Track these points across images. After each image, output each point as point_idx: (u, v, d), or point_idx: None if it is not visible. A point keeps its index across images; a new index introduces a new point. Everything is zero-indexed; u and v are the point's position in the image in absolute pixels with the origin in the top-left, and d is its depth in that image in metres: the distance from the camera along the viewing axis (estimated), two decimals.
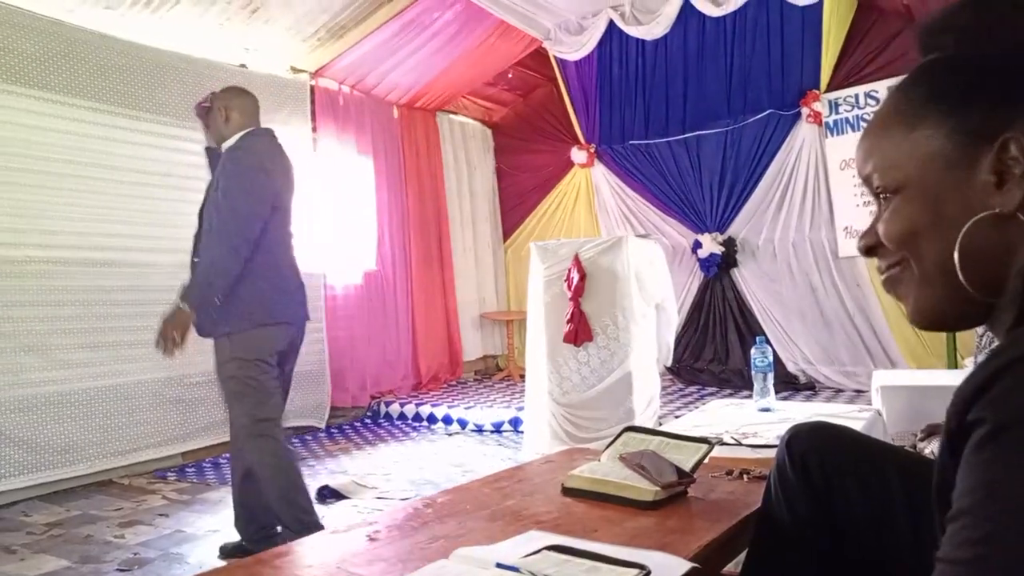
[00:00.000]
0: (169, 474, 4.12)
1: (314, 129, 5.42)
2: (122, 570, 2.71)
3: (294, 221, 2.89)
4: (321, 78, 5.52)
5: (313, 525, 2.60)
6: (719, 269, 5.77)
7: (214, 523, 3.23)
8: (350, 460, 4.35)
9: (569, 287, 3.88)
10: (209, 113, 2.78)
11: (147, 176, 4.29)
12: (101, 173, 4.08)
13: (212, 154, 2.83)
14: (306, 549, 1.43)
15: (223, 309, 2.58)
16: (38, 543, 3.03)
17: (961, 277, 0.64)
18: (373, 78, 5.77)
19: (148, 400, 4.20)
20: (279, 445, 2.65)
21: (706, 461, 1.55)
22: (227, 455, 4.47)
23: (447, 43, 5.62)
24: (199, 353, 4.44)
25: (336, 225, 5.51)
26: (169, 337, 2.53)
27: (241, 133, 2.74)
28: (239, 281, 2.57)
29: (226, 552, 2.84)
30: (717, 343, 5.88)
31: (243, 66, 5.01)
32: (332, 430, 5.21)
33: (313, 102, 5.43)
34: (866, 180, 0.74)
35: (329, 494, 3.56)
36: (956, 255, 0.64)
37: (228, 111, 2.75)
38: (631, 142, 6.23)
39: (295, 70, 5.37)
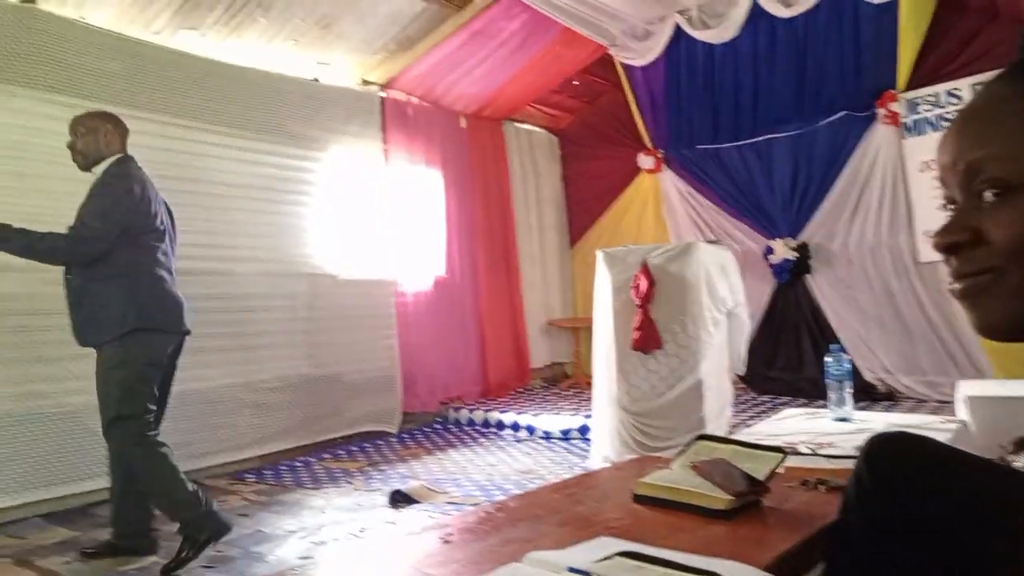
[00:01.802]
0: (248, 476, 4.27)
1: (384, 140, 5.54)
2: (207, 567, 2.82)
3: (174, 241, 3.06)
4: (391, 90, 5.64)
5: (194, 511, 2.80)
6: (792, 275, 5.64)
7: (292, 524, 3.33)
8: (421, 465, 4.41)
9: (637, 294, 3.85)
10: (89, 134, 2.87)
11: (227, 188, 4.46)
12: (183, 186, 4.25)
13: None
14: (380, 550, 1.46)
15: (103, 318, 2.75)
16: None
17: None
18: (441, 88, 5.87)
19: (227, 404, 4.37)
20: (155, 447, 2.80)
21: (780, 471, 1.52)
22: (303, 459, 4.62)
23: (513, 52, 5.67)
24: (274, 359, 4.64)
25: (406, 234, 5.61)
26: None
27: (115, 158, 2.89)
28: (118, 290, 2.75)
29: (89, 554, 2.94)
30: (790, 351, 5.74)
31: (316, 80, 5.17)
32: (404, 435, 5.30)
33: (383, 113, 5.56)
34: (970, 168, 0.66)
35: (401, 499, 3.62)
36: None
37: (108, 135, 2.89)
38: (699, 147, 6.15)
39: (366, 83, 5.51)
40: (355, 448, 4.93)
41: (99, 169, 2.88)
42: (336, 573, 1.34)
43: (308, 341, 4.88)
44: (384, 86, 5.60)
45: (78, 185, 3.75)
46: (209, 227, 4.37)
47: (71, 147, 2.90)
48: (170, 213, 3.07)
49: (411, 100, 5.80)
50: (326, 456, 4.72)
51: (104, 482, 3.73)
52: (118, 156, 2.90)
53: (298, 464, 4.53)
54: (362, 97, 5.42)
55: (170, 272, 2.97)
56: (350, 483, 4.05)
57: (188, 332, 3.02)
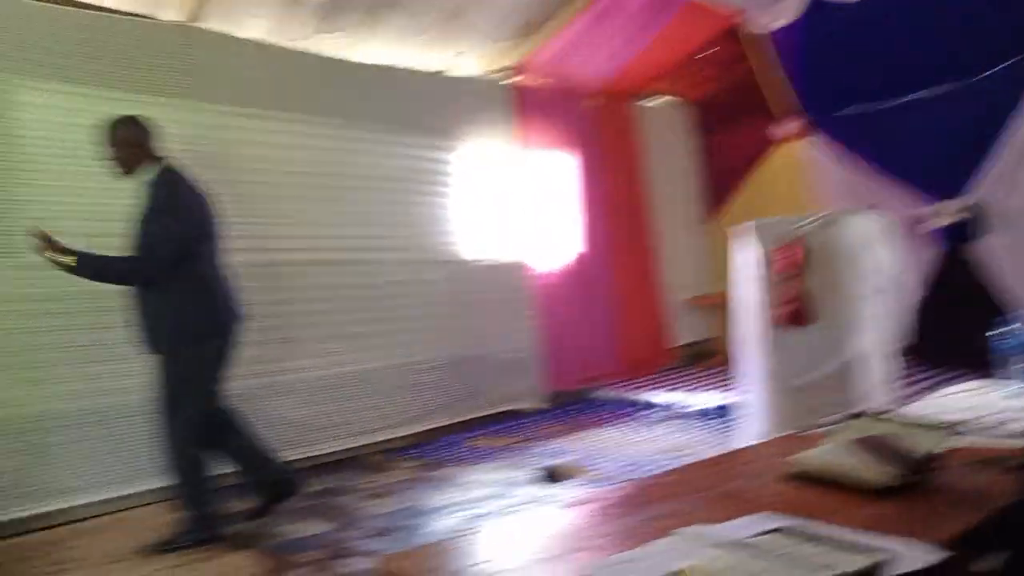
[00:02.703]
0: (405, 453, 4.51)
1: (516, 125, 5.61)
2: (373, 536, 3.03)
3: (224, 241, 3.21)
4: (520, 75, 5.69)
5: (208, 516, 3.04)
6: (958, 239, 5.21)
7: (447, 499, 3.49)
8: (565, 443, 4.48)
9: (786, 266, 3.71)
10: (126, 145, 2.96)
11: (368, 181, 4.70)
12: (330, 181, 4.53)
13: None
14: (536, 523, 1.52)
15: (187, 322, 2.95)
16: (308, 509, 3.46)
17: None
18: (570, 69, 5.85)
19: (383, 385, 4.62)
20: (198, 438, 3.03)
21: (948, 449, 1.44)
22: (453, 436, 4.82)
23: (642, 27, 5.56)
24: (422, 342, 4.85)
25: (541, 216, 5.67)
26: (59, 250, 2.79)
27: (159, 166, 3.00)
28: (186, 302, 2.95)
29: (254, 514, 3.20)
30: (958, 321, 5.31)
31: (448, 72, 5.31)
32: (547, 414, 5.38)
33: (514, 99, 5.62)
34: None
35: (548, 475, 3.71)
36: None
37: (146, 143, 2.99)
38: (847, 108, 5.79)
39: (495, 70, 5.59)
40: (502, 426, 5.07)
41: (145, 178, 2.99)
42: (495, 544, 1.41)
43: (452, 325, 5.06)
44: (513, 72, 5.66)
45: (241, 187, 4.12)
46: (355, 220, 4.62)
47: (109, 156, 2.97)
48: (211, 206, 3.17)
49: (541, 83, 5.82)
50: (475, 434, 4.89)
51: (283, 456, 4.08)
52: (163, 165, 3.02)
53: (450, 441, 4.73)
54: (492, 85, 5.51)
55: (222, 267, 3.17)
56: (499, 460, 4.18)
57: (243, 317, 3.20)
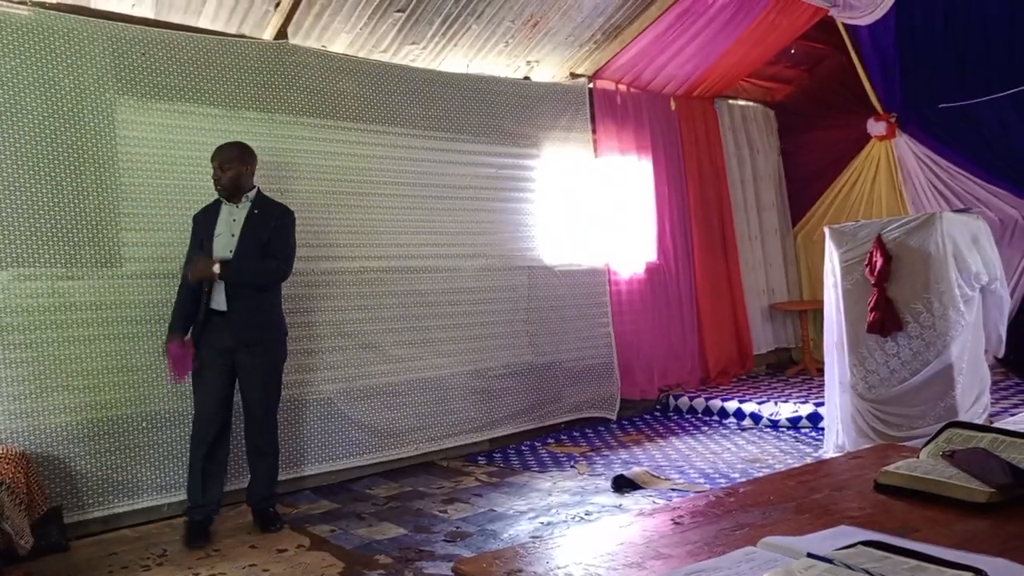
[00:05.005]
0: (480, 458, 4.54)
1: (594, 130, 5.59)
2: (448, 541, 3.06)
3: None
4: (599, 80, 5.67)
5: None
6: None
7: (522, 504, 3.50)
8: (642, 452, 4.43)
9: (871, 272, 3.57)
10: (241, 165, 3.29)
11: (451, 190, 4.76)
12: (415, 191, 4.62)
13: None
14: (612, 530, 1.51)
15: (278, 321, 3.41)
16: (381, 512, 3.54)
17: None
18: (649, 73, 5.80)
19: (459, 391, 4.67)
20: None
21: None
22: (528, 442, 4.83)
23: (724, 27, 5.45)
24: (498, 348, 4.88)
25: (619, 221, 5.62)
26: (202, 269, 3.16)
27: (256, 189, 3.39)
28: (277, 302, 3.42)
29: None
30: None
31: (527, 78, 5.34)
32: (623, 422, 5.34)
33: (592, 104, 5.60)
34: None
35: (624, 483, 3.67)
36: None
37: (251, 166, 3.36)
38: (941, 105, 5.53)
39: (574, 75, 5.59)
40: (577, 433, 5.05)
41: (250, 197, 3.35)
42: (571, 549, 1.40)
43: (529, 331, 5.07)
44: (592, 77, 5.64)
45: (332, 198, 4.25)
46: (436, 227, 4.69)
47: (226, 178, 3.28)
48: None
49: (619, 88, 5.79)
50: (550, 441, 4.88)
51: (362, 460, 4.19)
52: (257, 188, 3.40)
53: (524, 448, 4.74)
54: (571, 91, 5.51)
55: None
56: (574, 467, 4.17)
57: None
